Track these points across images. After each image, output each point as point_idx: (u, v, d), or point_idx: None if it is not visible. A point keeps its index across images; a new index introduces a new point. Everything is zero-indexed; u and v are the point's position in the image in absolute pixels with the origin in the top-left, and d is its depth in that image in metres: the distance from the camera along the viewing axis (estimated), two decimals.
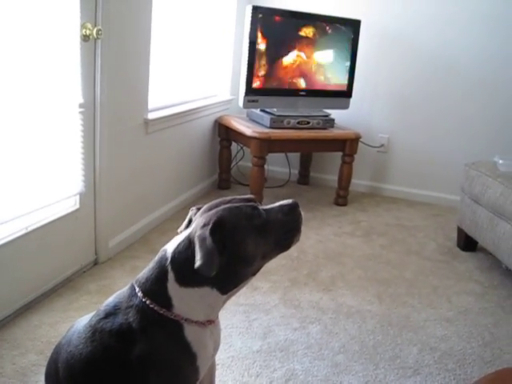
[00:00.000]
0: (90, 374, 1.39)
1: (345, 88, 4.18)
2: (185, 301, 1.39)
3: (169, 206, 3.62)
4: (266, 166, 3.88)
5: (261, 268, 1.50)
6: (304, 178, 4.70)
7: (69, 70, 2.45)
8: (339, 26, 4.02)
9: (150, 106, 3.24)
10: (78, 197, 2.66)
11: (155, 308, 1.38)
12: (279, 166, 4.70)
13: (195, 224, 1.42)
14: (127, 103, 2.96)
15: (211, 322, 1.47)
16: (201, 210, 1.48)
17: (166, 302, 1.39)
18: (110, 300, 1.47)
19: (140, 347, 1.36)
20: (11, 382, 1.92)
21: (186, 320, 1.40)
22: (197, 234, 1.35)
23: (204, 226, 1.36)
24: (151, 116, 3.21)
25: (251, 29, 3.69)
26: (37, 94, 2.29)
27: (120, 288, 1.53)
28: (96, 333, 1.40)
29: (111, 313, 1.42)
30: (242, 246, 1.38)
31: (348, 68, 4.13)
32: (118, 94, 2.83)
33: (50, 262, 2.53)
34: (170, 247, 1.43)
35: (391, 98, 4.44)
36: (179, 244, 1.40)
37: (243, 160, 4.55)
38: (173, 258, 1.39)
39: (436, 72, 4.28)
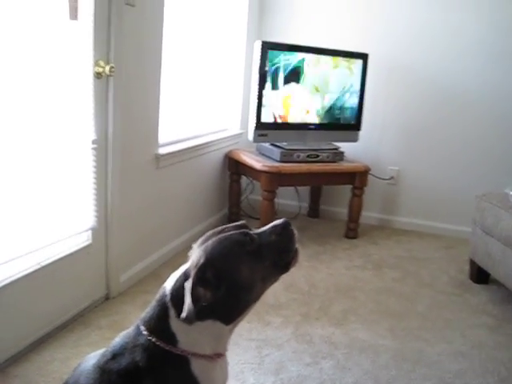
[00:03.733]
0: None
1: (354, 121, 4.20)
2: (189, 335, 1.39)
3: (180, 240, 3.62)
4: (275, 200, 3.89)
5: (263, 293, 1.49)
6: (314, 211, 4.70)
7: (82, 107, 2.49)
8: (347, 60, 4.06)
9: (161, 140, 3.27)
10: (90, 232, 2.68)
11: (161, 345, 1.38)
12: (289, 199, 4.70)
13: (191, 260, 1.42)
14: (138, 139, 2.99)
15: (220, 356, 1.46)
16: (197, 243, 1.48)
17: (171, 339, 1.38)
18: (117, 341, 1.46)
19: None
20: None
21: (192, 355, 1.39)
22: (186, 284, 1.35)
23: (195, 266, 1.37)
24: (162, 151, 3.24)
25: (260, 64, 3.73)
26: (51, 130, 2.33)
27: (131, 323, 1.52)
28: (104, 374, 1.39)
29: (118, 353, 1.41)
30: (237, 274, 1.38)
31: (357, 101, 4.16)
32: (129, 130, 2.86)
33: (61, 297, 2.53)
34: (168, 284, 1.43)
35: (400, 131, 4.46)
36: (177, 280, 1.41)
37: (253, 193, 4.57)
38: (172, 294, 1.40)
39: (445, 104, 4.31)
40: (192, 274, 1.35)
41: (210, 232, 1.49)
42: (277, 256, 1.47)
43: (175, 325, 1.39)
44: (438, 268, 3.69)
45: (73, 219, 2.53)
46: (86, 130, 2.52)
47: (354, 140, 4.26)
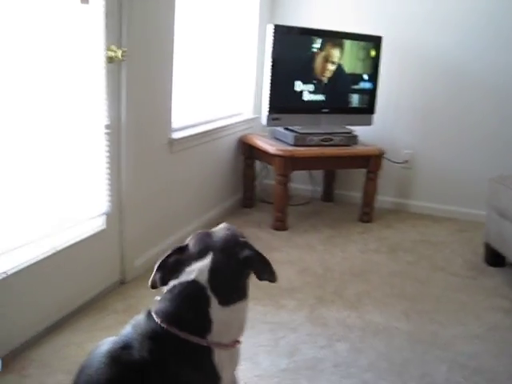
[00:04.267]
0: None
1: (367, 104, 4.18)
2: (226, 322, 1.45)
3: (194, 224, 3.63)
4: (289, 184, 3.88)
5: None
6: (328, 195, 4.69)
7: (95, 92, 2.49)
8: (361, 43, 4.03)
9: (175, 125, 3.27)
10: (104, 217, 2.69)
11: (182, 336, 1.39)
12: (303, 183, 4.69)
13: (216, 247, 1.51)
14: (152, 123, 2.99)
15: (238, 343, 1.52)
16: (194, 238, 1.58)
17: (205, 328, 1.42)
18: (129, 330, 1.45)
19: (163, 378, 1.36)
20: None
21: (217, 345, 1.43)
22: (256, 255, 1.51)
23: (242, 245, 1.53)
24: (175, 136, 3.24)
25: (273, 47, 3.71)
26: (64, 115, 2.34)
27: (146, 307, 1.52)
28: (114, 362, 1.38)
29: (129, 345, 1.40)
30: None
31: (371, 84, 4.14)
32: (142, 115, 2.86)
33: (76, 281, 2.55)
34: (200, 276, 1.45)
35: (415, 114, 4.43)
36: (212, 270, 1.46)
37: (267, 178, 4.57)
38: (212, 283, 1.44)
39: (459, 86, 4.26)
40: (252, 257, 1.51)
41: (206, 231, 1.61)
42: None
43: (215, 312, 1.43)
44: (452, 251, 3.68)
45: (87, 204, 2.55)
46: (99, 115, 2.53)
47: (368, 123, 4.23)
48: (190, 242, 1.57)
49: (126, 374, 1.37)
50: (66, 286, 2.48)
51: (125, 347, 1.40)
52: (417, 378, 2.22)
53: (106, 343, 1.48)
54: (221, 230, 1.61)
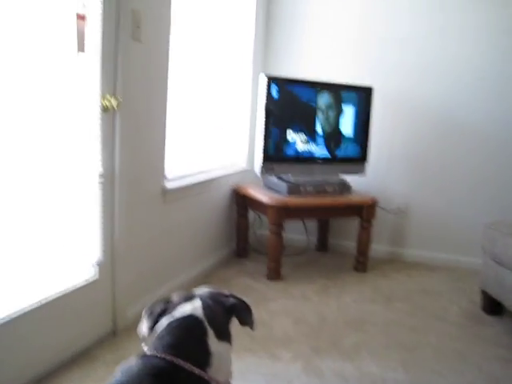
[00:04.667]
0: None
1: (360, 153, 4.20)
2: (222, 357, 1.47)
3: (187, 274, 3.59)
4: (283, 234, 3.86)
5: None
6: (322, 245, 4.67)
7: (89, 141, 2.50)
8: (352, 93, 4.09)
9: (168, 175, 3.27)
10: (96, 267, 2.66)
11: (187, 368, 1.37)
12: (297, 233, 4.68)
13: (202, 295, 1.61)
14: (145, 173, 2.99)
15: None
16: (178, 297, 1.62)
17: (205, 361, 1.43)
18: (119, 378, 1.37)
19: None
20: None
21: (215, 381, 1.42)
22: (239, 302, 1.62)
23: (227, 296, 1.63)
24: (169, 185, 3.24)
25: (266, 98, 3.75)
26: (58, 163, 2.33)
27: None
28: None
29: None
30: None
31: (363, 133, 4.17)
32: (136, 164, 2.86)
33: (67, 332, 2.49)
34: (195, 311, 1.51)
35: (407, 163, 4.46)
36: (205, 307, 1.53)
37: (261, 228, 4.55)
38: (207, 317, 1.50)
39: (452, 135, 4.31)
40: (236, 299, 1.63)
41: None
42: None
43: (213, 344, 1.46)
44: (449, 300, 3.64)
45: (79, 254, 2.52)
46: (92, 164, 2.53)
47: (361, 172, 4.25)
48: (173, 296, 1.63)
49: None
50: (56, 337, 2.42)
51: None
52: None
53: None
54: (203, 288, 1.70)
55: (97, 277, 2.66)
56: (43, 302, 2.31)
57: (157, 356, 1.40)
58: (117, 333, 2.84)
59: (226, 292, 1.66)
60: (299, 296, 3.56)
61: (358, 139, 4.18)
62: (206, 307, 1.54)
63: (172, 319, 1.50)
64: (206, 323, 1.49)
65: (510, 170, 4.20)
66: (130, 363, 1.42)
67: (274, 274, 3.84)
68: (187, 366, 1.38)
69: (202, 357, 1.43)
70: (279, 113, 3.85)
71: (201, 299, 1.56)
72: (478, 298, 3.51)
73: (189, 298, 1.58)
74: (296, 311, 3.31)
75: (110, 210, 2.70)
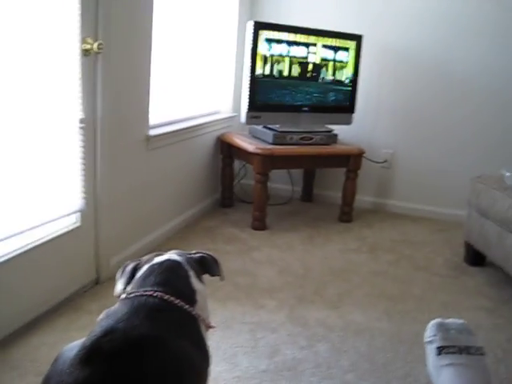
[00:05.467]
0: None
1: (347, 103, 4.14)
2: (203, 296, 1.53)
3: (171, 224, 3.56)
4: (269, 184, 3.83)
5: None
6: (307, 195, 4.65)
7: (69, 85, 2.41)
8: (341, 41, 4.00)
9: (152, 122, 3.21)
10: (78, 214, 2.61)
11: (179, 304, 1.41)
12: (282, 183, 4.65)
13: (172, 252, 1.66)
14: (128, 119, 2.92)
15: (212, 327, 1.56)
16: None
17: (191, 297, 1.48)
18: (105, 320, 1.33)
19: (162, 353, 1.27)
20: None
21: (201, 319, 1.47)
22: (207, 255, 1.69)
23: (196, 253, 1.69)
24: (152, 132, 3.18)
25: (252, 45, 3.66)
26: (37, 109, 2.25)
27: None
28: (97, 353, 1.23)
29: (113, 329, 1.28)
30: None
31: (350, 83, 4.10)
32: (118, 110, 2.79)
33: (50, 280, 2.47)
34: (172, 256, 1.60)
35: (395, 113, 4.41)
36: (178, 255, 1.62)
37: (246, 178, 4.52)
38: (185, 261, 1.58)
39: (440, 86, 4.25)
40: (205, 256, 1.69)
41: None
42: None
43: (195, 283, 1.53)
44: (432, 251, 3.65)
45: (60, 201, 2.46)
46: (73, 109, 2.45)
47: (348, 123, 4.20)
48: (143, 257, 1.65)
49: (119, 361, 1.22)
50: (39, 286, 2.39)
51: (106, 334, 1.26)
52: (400, 378, 2.18)
53: (71, 347, 1.39)
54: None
55: (78, 224, 2.62)
56: (24, 249, 2.27)
57: (144, 294, 1.39)
58: (100, 282, 2.82)
59: (193, 251, 1.70)
60: (284, 245, 3.56)
61: (345, 89, 4.11)
62: (179, 254, 1.62)
63: (152, 263, 1.54)
64: (186, 265, 1.56)
65: (499, 123, 4.17)
66: (115, 306, 1.40)
67: (259, 224, 3.82)
68: (177, 301, 1.41)
69: (189, 294, 1.48)
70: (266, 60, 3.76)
71: (170, 254, 1.62)
72: (461, 250, 3.52)
73: (159, 254, 1.63)
74: (280, 260, 3.30)
75: (92, 157, 2.64)
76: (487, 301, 2.94)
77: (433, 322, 2.01)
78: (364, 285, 3.05)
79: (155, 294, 1.40)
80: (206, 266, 1.67)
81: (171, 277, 1.49)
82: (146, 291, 1.41)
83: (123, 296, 1.46)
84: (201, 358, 1.41)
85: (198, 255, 1.67)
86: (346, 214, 4.14)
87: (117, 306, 1.41)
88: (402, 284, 3.09)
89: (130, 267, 1.60)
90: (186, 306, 1.43)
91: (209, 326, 1.53)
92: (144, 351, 1.25)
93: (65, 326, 2.38)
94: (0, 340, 2.18)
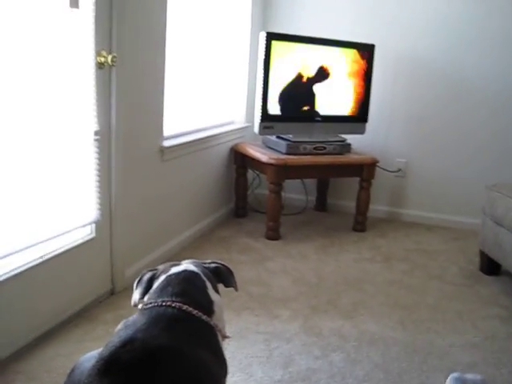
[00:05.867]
0: None
1: (360, 113, 4.15)
2: (220, 306, 1.54)
3: (185, 234, 3.58)
4: (282, 194, 3.84)
5: None
6: (321, 205, 4.65)
7: (84, 98, 2.44)
8: (353, 51, 4.01)
9: (166, 133, 3.23)
10: (93, 225, 2.64)
11: (197, 314, 1.42)
12: (296, 193, 4.65)
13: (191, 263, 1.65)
14: (143, 130, 2.95)
15: (228, 337, 1.57)
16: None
17: (209, 308, 1.49)
18: (123, 331, 1.34)
19: (181, 363, 1.29)
20: None
21: (218, 330, 1.48)
22: (222, 266, 1.71)
23: (211, 263, 1.70)
24: (167, 143, 3.20)
25: (265, 55, 3.68)
26: (53, 121, 2.28)
27: None
28: (115, 366, 1.24)
29: (132, 339, 1.29)
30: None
31: (363, 92, 4.11)
32: (133, 121, 2.82)
33: (65, 291, 2.49)
34: (189, 267, 1.59)
35: (408, 122, 4.41)
36: (196, 265, 1.62)
37: (260, 188, 4.53)
38: (201, 271, 1.59)
39: (453, 94, 4.25)
40: (220, 266, 1.71)
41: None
42: None
43: (212, 294, 1.54)
44: (447, 260, 3.64)
45: (76, 212, 2.49)
46: (88, 121, 2.48)
47: (361, 132, 4.20)
48: (159, 266, 1.66)
49: (136, 371, 1.23)
50: (54, 296, 2.42)
51: (125, 345, 1.27)
52: None
53: (87, 358, 1.41)
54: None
55: (93, 235, 2.64)
56: (39, 260, 2.29)
57: (163, 304, 1.41)
58: (115, 293, 2.84)
59: (207, 261, 1.72)
60: (298, 255, 3.56)
61: (358, 98, 4.12)
62: (196, 265, 1.62)
63: (169, 274, 1.55)
64: (202, 275, 1.57)
65: None
66: (134, 317, 1.42)
67: (273, 234, 3.83)
68: (195, 312, 1.42)
69: (207, 304, 1.49)
70: (278, 70, 3.78)
71: (187, 264, 1.63)
72: (476, 259, 3.51)
73: (175, 264, 1.63)
74: (295, 270, 3.31)
75: (107, 168, 2.67)
76: (502, 310, 2.92)
77: (452, 375, 1.98)
78: (378, 294, 3.04)
79: (174, 305, 1.41)
80: (221, 276, 1.68)
81: (189, 287, 1.50)
82: (164, 301, 1.42)
83: (141, 306, 1.48)
84: (218, 367, 1.43)
85: (213, 265, 1.68)
86: (360, 223, 4.13)
87: (135, 316, 1.42)
88: (417, 293, 3.08)
89: (146, 277, 1.61)
90: (204, 317, 1.44)
91: (225, 336, 1.54)
92: (163, 362, 1.26)
93: (80, 337, 2.40)
94: (16, 351, 2.20)
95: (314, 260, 3.49)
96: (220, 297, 1.60)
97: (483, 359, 2.41)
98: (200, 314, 1.43)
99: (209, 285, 1.56)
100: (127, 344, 1.28)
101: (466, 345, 2.54)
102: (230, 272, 1.71)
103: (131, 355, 1.25)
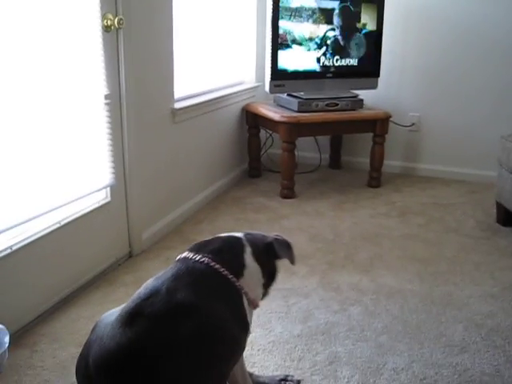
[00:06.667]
0: (130, 362, 1.32)
1: (372, 67, 4.08)
2: (253, 274, 1.56)
3: (200, 196, 3.59)
4: (296, 152, 3.82)
5: None
6: (335, 162, 4.63)
7: (92, 62, 2.43)
8: (363, 2, 3.93)
9: (177, 95, 3.21)
10: (108, 189, 2.65)
11: (224, 272, 1.47)
12: (309, 151, 4.63)
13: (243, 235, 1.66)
14: (153, 93, 2.93)
15: (258, 306, 1.59)
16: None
17: (238, 270, 1.52)
18: (156, 282, 1.45)
19: (198, 318, 1.36)
20: (52, 375, 1.92)
21: (244, 292, 1.50)
22: (279, 238, 1.68)
23: (265, 237, 1.67)
24: (178, 105, 3.19)
25: (273, 12, 3.63)
26: (62, 87, 2.28)
27: None
28: (138, 317, 1.35)
29: (156, 291, 1.40)
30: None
31: (374, 46, 4.04)
32: (143, 84, 2.80)
33: (84, 255, 2.52)
34: (234, 234, 1.64)
35: (420, 76, 4.34)
36: (245, 234, 1.65)
37: (273, 147, 4.51)
38: (247, 238, 1.61)
39: (466, 45, 4.16)
40: (275, 238, 1.67)
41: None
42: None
43: (248, 259, 1.56)
44: (463, 213, 3.62)
45: (90, 177, 2.50)
46: (98, 85, 2.47)
47: (373, 87, 4.14)
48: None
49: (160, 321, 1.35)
50: (74, 260, 2.45)
51: (149, 297, 1.39)
52: (433, 338, 2.19)
53: (110, 315, 1.49)
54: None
55: (109, 199, 2.66)
56: (56, 226, 2.32)
57: (193, 259, 1.48)
58: (133, 255, 2.87)
59: (273, 233, 1.72)
60: (313, 213, 3.56)
61: (369, 52, 4.05)
62: (246, 234, 1.65)
63: (217, 235, 1.64)
64: (245, 241, 1.60)
65: None
66: (166, 269, 1.51)
67: (288, 192, 3.83)
68: (222, 270, 1.47)
69: (237, 267, 1.52)
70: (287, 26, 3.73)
71: (243, 233, 1.66)
72: (492, 211, 3.49)
73: (232, 233, 1.68)
74: (311, 227, 3.31)
75: (119, 132, 2.67)
76: None
77: None
78: (395, 248, 3.05)
79: (203, 260, 1.47)
80: (277, 248, 1.65)
81: (224, 248, 1.55)
82: (194, 256, 1.49)
83: (176, 258, 1.55)
84: (237, 327, 1.46)
85: (269, 238, 1.66)
86: (375, 179, 4.12)
87: (168, 268, 1.50)
88: (434, 246, 3.08)
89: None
90: (231, 276, 1.48)
91: (254, 303, 1.57)
92: (180, 316, 1.35)
93: (101, 299, 2.43)
94: (39, 315, 2.25)
95: (330, 217, 3.50)
96: (259, 267, 1.58)
97: (501, 309, 2.42)
98: (227, 272, 1.48)
99: (248, 250, 1.58)
100: (152, 296, 1.39)
101: (485, 295, 2.54)
102: (285, 244, 1.68)
103: (153, 309, 1.35)
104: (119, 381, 1.32)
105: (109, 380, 1.33)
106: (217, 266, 1.47)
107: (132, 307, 1.38)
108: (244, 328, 1.50)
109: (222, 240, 1.59)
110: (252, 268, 1.56)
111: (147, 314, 1.35)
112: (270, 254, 1.64)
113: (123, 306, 1.45)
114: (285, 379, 1.89)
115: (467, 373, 1.98)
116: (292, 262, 1.69)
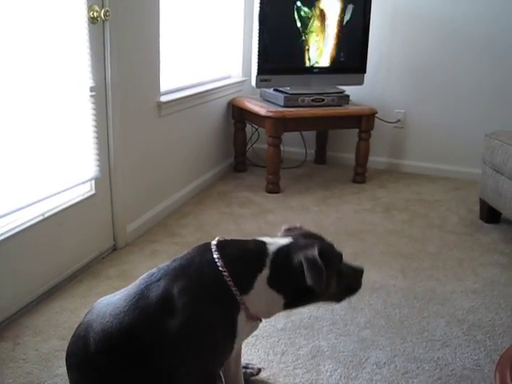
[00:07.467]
0: (130, 342, 1.41)
1: (358, 63, 4.09)
2: (260, 297, 1.47)
3: (186, 189, 3.59)
4: (281, 147, 3.83)
5: (318, 302, 1.66)
6: (321, 158, 4.64)
7: (78, 54, 2.41)
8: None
9: (163, 88, 3.20)
10: (93, 182, 2.64)
11: (229, 283, 1.43)
12: (295, 146, 4.63)
13: (295, 239, 1.54)
14: (139, 85, 2.92)
15: (260, 320, 1.57)
16: (298, 233, 1.64)
17: (244, 288, 1.45)
18: (168, 267, 1.49)
19: (182, 316, 1.39)
20: (35, 368, 1.91)
21: (245, 308, 1.46)
22: (306, 256, 1.44)
23: (308, 248, 1.47)
24: (164, 98, 3.18)
25: (260, 7, 3.62)
26: (47, 79, 2.26)
27: (142, 273, 1.56)
28: (142, 300, 1.43)
29: (164, 275, 1.46)
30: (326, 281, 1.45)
31: (361, 42, 4.05)
32: (129, 77, 2.79)
33: (68, 248, 2.51)
34: (271, 246, 1.50)
35: (406, 73, 4.36)
36: (281, 249, 1.49)
37: (258, 142, 4.51)
38: (274, 258, 1.47)
39: (452, 43, 4.19)
40: (308, 251, 1.45)
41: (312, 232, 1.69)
42: (344, 289, 1.62)
43: (259, 282, 1.46)
44: (447, 209, 3.65)
45: (75, 169, 2.48)
46: (83, 77, 2.45)
47: (359, 83, 4.16)
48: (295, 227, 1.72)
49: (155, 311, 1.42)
50: (58, 253, 2.44)
51: (154, 281, 1.46)
52: (415, 333, 2.21)
53: (106, 299, 1.56)
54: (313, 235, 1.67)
55: (93, 192, 2.65)
56: (41, 217, 2.31)
57: (211, 256, 1.47)
58: (117, 248, 2.86)
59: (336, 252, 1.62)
60: (298, 207, 3.57)
61: (355, 49, 4.06)
62: (282, 251, 1.49)
63: (262, 239, 1.54)
64: (268, 261, 1.47)
65: (511, 79, 4.11)
66: (182, 257, 1.52)
67: (273, 187, 3.83)
68: (229, 279, 1.44)
69: (245, 284, 1.46)
70: (275, 22, 3.73)
71: (293, 239, 1.55)
72: (476, 207, 3.52)
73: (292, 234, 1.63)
74: (295, 222, 3.31)
75: (104, 124, 2.65)
76: (502, 257, 2.95)
77: None
78: (379, 244, 3.06)
79: (216, 261, 1.45)
80: (304, 274, 1.43)
81: (243, 259, 1.49)
82: (215, 251, 1.48)
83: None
84: (222, 334, 1.46)
85: (302, 259, 1.45)
86: (360, 174, 4.14)
87: (186, 252, 1.53)
88: (417, 242, 3.10)
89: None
90: (234, 289, 1.44)
91: (255, 318, 1.53)
92: (167, 309, 1.40)
93: (85, 292, 2.43)
94: (23, 307, 2.24)
95: (315, 212, 3.51)
96: (276, 295, 1.48)
97: (483, 304, 2.45)
98: (231, 283, 1.43)
99: (265, 274, 1.46)
100: (157, 281, 1.45)
101: (467, 291, 2.57)
102: (316, 270, 1.43)
103: (152, 295, 1.42)
104: (121, 358, 1.40)
105: (111, 358, 1.41)
106: (225, 273, 1.43)
107: (139, 291, 1.45)
108: (229, 335, 1.47)
109: (248, 250, 1.51)
110: (261, 292, 1.46)
111: (149, 301, 1.42)
112: (294, 281, 1.46)
113: (130, 286, 1.52)
114: (246, 367, 1.92)
115: (448, 367, 2.00)
116: (317, 290, 1.43)
